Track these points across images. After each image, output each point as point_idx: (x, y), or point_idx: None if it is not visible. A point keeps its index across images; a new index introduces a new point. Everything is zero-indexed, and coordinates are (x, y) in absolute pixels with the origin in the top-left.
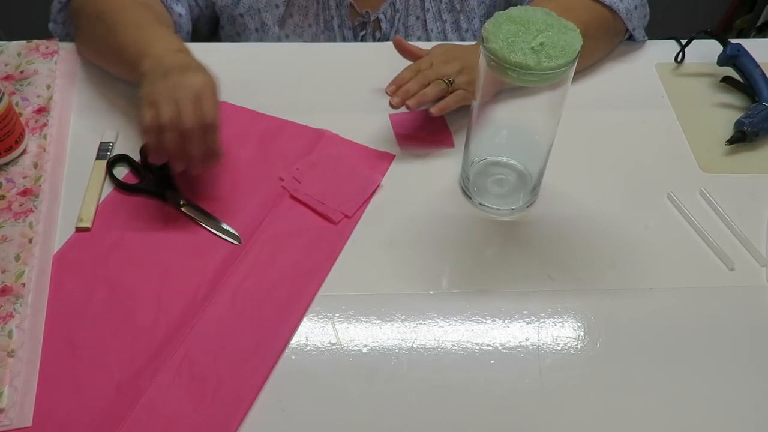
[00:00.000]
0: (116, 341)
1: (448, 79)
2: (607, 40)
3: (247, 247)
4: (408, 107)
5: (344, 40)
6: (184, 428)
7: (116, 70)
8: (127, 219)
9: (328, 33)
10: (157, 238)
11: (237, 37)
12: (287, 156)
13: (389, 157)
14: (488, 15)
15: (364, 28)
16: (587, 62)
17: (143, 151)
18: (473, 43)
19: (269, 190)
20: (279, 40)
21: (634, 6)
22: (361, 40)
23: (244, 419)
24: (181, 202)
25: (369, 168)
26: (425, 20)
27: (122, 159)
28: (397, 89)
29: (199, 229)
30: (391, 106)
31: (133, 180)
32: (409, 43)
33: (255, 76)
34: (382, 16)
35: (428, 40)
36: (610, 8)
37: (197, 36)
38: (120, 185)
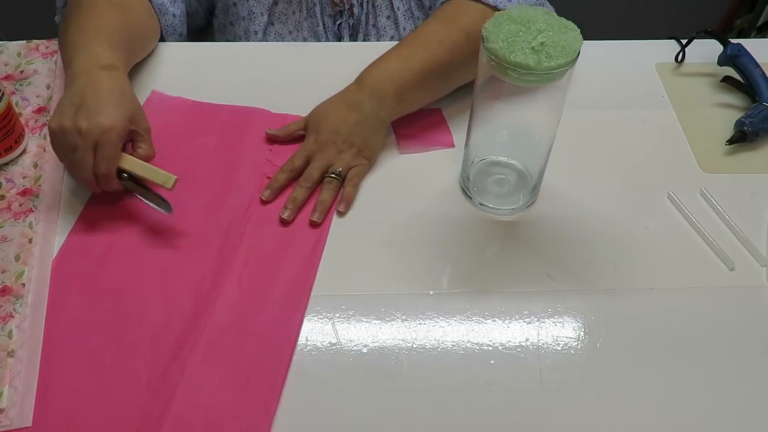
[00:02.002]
0: (135, 344)
1: (334, 173)
2: None
3: (240, 233)
4: (314, 224)
5: (325, 27)
6: (228, 412)
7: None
8: (112, 224)
9: (310, 20)
10: (148, 239)
11: (230, 26)
12: (257, 142)
13: None
14: None
15: (341, 16)
16: (476, 73)
17: None
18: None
19: (247, 177)
20: (265, 27)
21: (530, 5)
22: (338, 28)
23: (282, 391)
24: (124, 175)
25: None
26: (391, 0)
27: None
28: (273, 195)
29: (190, 224)
30: (283, 219)
31: None
32: (280, 130)
33: (252, 76)
34: (355, 1)
35: (396, 19)
36: (495, 8)
37: (192, 33)
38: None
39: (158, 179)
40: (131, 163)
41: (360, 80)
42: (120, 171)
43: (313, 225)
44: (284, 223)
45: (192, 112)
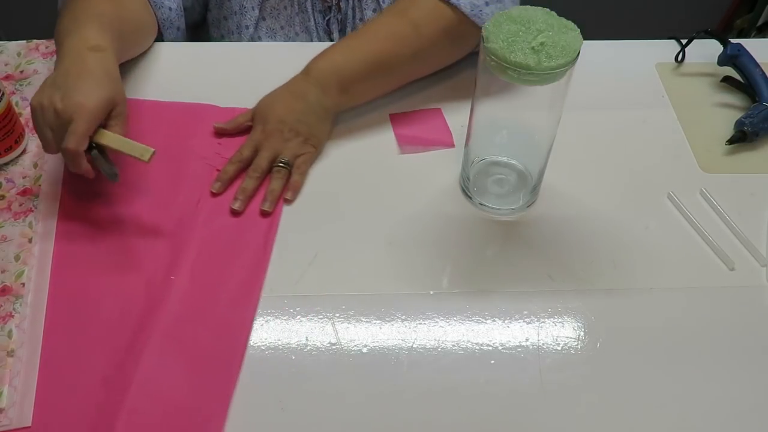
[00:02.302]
0: (91, 341)
1: (282, 163)
2: (449, 41)
3: (191, 226)
4: (264, 213)
5: (315, 22)
6: (184, 402)
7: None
8: (62, 221)
9: (302, 15)
10: (99, 235)
11: (224, 21)
12: (206, 136)
13: None
14: None
15: (330, 12)
16: (425, 68)
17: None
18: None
19: (196, 172)
20: (257, 22)
21: (485, 2)
22: (327, 24)
23: (238, 381)
24: (94, 151)
25: None
26: None
27: None
28: (223, 186)
29: (142, 219)
30: (233, 209)
31: None
32: (227, 123)
33: (253, 75)
34: None
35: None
36: (448, 3)
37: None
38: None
39: (135, 152)
40: (108, 138)
41: (306, 70)
42: (91, 146)
43: (264, 214)
44: (235, 213)
45: (141, 111)
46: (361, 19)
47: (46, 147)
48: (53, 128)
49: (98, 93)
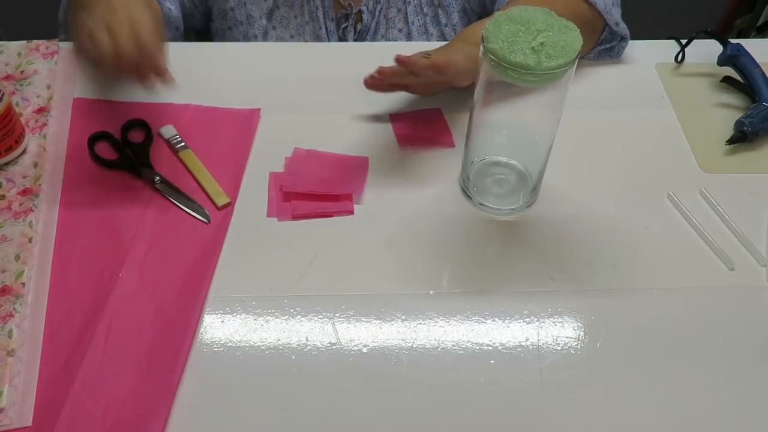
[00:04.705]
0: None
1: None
2: (588, 35)
3: (141, 221)
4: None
5: (327, 31)
6: (127, 397)
7: (75, 40)
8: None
9: (313, 24)
10: (100, 231)
11: (228, 31)
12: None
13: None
14: (464, 10)
15: (347, 20)
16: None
17: (124, 128)
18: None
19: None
20: (266, 31)
21: (612, 2)
22: (343, 32)
23: (182, 375)
24: (156, 180)
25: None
26: (406, 12)
27: (102, 136)
28: (372, 81)
29: (88, 219)
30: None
31: (111, 156)
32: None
33: (253, 75)
34: (364, 8)
35: (409, 33)
36: (586, 1)
37: (191, 35)
38: (99, 161)
39: (211, 190)
40: (193, 163)
41: (463, 39)
42: (153, 174)
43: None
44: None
45: (117, 111)
46: (383, 36)
47: (102, 49)
48: (111, 32)
49: (148, 10)
